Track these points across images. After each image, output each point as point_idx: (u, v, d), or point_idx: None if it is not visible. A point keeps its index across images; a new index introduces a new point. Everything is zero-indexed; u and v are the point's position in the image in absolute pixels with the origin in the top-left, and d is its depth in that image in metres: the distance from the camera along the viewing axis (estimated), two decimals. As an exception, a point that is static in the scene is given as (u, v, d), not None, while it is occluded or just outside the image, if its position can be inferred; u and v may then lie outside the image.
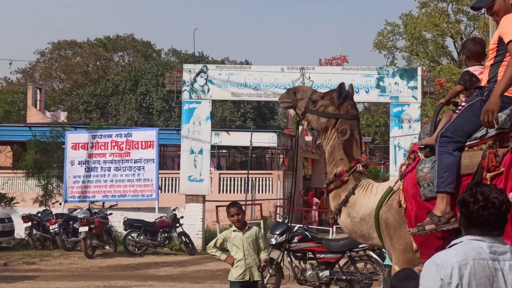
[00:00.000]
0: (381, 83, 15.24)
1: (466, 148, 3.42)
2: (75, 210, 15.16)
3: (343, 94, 4.46)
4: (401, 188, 3.74)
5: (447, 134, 3.43)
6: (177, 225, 14.52)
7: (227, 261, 6.08)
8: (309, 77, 15.40)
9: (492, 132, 3.28)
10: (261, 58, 75.24)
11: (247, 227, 6.28)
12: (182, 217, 14.85)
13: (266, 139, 22.66)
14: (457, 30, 27.36)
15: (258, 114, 29.79)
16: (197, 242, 14.56)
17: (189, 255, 14.12)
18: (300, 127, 5.89)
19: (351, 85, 4.76)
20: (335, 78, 15.16)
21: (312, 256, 8.78)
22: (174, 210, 15.16)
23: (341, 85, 4.53)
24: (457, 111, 3.68)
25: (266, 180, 21.09)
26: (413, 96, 15.27)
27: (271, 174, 21.46)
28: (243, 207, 13.97)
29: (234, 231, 6.15)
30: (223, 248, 6.21)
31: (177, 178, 18.29)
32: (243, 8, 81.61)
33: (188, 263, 13.00)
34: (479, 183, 2.84)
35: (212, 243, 6.23)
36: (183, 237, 14.36)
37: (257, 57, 76.70)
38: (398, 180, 3.90)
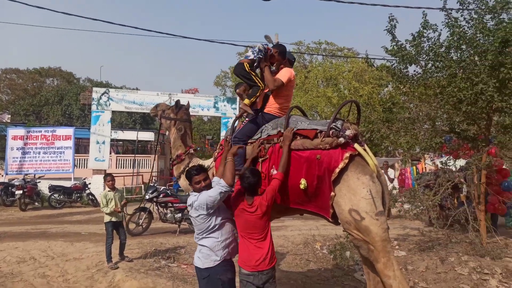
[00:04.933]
0: (216, 105, 19.67)
1: (249, 144, 3.95)
2: (13, 180, 15.95)
3: (178, 106, 5.16)
4: (214, 165, 4.24)
5: (237, 136, 3.98)
6: (86, 189, 16.03)
7: (115, 210, 6.57)
8: (174, 99, 19.05)
9: (263, 135, 3.89)
10: (148, 85, 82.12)
11: (116, 189, 6.85)
12: (90, 183, 16.53)
13: (148, 136, 26.41)
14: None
15: (144, 120, 34.57)
16: (99, 199, 15.80)
17: (93, 207, 15.32)
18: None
19: (188, 102, 5.38)
20: (190, 101, 20.03)
21: (171, 205, 9.49)
22: (84, 179, 17.04)
23: (177, 101, 5.22)
24: (243, 122, 4.22)
25: (147, 160, 23.91)
26: (234, 114, 18.57)
27: (150, 156, 24.24)
28: (131, 178, 17.41)
29: (109, 191, 6.70)
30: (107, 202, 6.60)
31: (87, 159, 20.11)
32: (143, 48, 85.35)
33: (93, 212, 13.87)
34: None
35: (103, 202, 6.63)
36: (90, 196, 15.87)
37: (147, 84, 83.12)
38: (212, 161, 4.39)
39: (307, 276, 6.10)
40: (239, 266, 3.27)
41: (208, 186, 3.39)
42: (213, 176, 4.07)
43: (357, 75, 26.10)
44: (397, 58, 7.54)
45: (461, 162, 9.02)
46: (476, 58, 6.81)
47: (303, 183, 3.56)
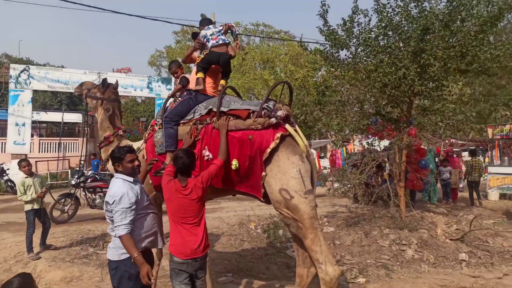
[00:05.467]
0: (150, 85, 18.92)
1: (181, 125, 3.87)
2: None
3: (106, 85, 4.91)
4: (144, 147, 4.14)
5: (169, 116, 3.88)
6: (4, 175, 15.06)
7: (38, 196, 6.22)
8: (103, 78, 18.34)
9: (196, 115, 3.82)
10: (76, 63, 76.52)
11: (34, 174, 6.56)
12: (8, 169, 15.39)
13: (76, 117, 24.53)
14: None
15: (71, 101, 32.11)
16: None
17: (13, 195, 13.99)
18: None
19: (116, 81, 5.11)
20: (121, 80, 18.95)
21: (100, 190, 9.26)
22: (1, 164, 15.76)
23: (104, 79, 4.95)
24: (176, 102, 4.13)
25: (74, 143, 22.08)
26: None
27: (78, 140, 22.36)
28: (56, 162, 16.12)
29: (26, 177, 6.31)
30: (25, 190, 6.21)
31: (5, 143, 18.53)
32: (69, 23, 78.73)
33: (12, 200, 13.04)
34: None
35: (21, 190, 6.22)
36: (8, 183, 14.91)
37: (74, 62, 77.33)
38: (143, 142, 4.25)
39: (241, 255, 6.20)
40: (170, 254, 3.14)
41: (139, 168, 3.26)
42: (144, 159, 3.97)
43: (293, 58, 26.58)
44: (330, 42, 7.76)
45: (385, 143, 9.63)
46: (401, 44, 7.21)
47: (234, 163, 3.54)
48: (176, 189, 3.12)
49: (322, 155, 22.04)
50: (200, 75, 3.97)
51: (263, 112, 3.54)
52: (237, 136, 3.57)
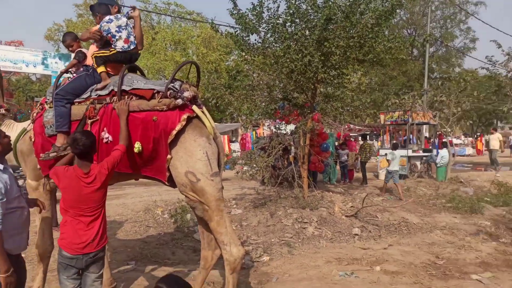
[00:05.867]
0: (45, 61, 17.22)
1: (76, 104, 3.59)
2: None
3: None
4: (32, 128, 3.78)
5: (60, 93, 3.57)
6: None
7: None
8: (-13, 51, 14.97)
9: (93, 94, 3.57)
10: None
11: None
12: None
13: None
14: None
15: None
16: None
17: None
18: None
19: None
20: (10, 54, 16.86)
21: None
22: None
23: None
24: (69, 78, 3.84)
25: None
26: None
27: None
28: None
29: None
30: None
31: None
32: None
33: None
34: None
35: None
36: None
37: None
38: (30, 123, 3.89)
39: (146, 242, 6.00)
40: (59, 247, 2.84)
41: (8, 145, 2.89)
42: (32, 141, 3.59)
43: (206, 41, 26.17)
44: (241, 26, 7.76)
45: (291, 127, 10.06)
46: (307, 32, 7.51)
47: (137, 146, 3.36)
48: (77, 176, 2.80)
49: (233, 139, 22.30)
50: (102, 69, 3.63)
51: (168, 93, 3.39)
52: (140, 117, 3.37)
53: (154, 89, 3.45)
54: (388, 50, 7.38)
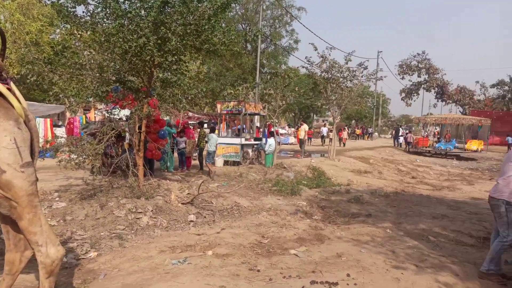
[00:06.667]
0: None
1: None
2: None
3: None
4: None
5: None
6: None
7: None
8: None
9: None
10: None
11: None
12: None
13: None
14: None
15: None
16: None
17: None
18: None
19: None
20: None
21: None
22: None
23: None
24: None
25: None
26: None
27: None
28: None
29: None
30: None
31: None
32: None
33: None
34: None
35: None
36: None
37: None
38: None
39: None
40: None
41: None
42: None
43: (23, 7, 22.33)
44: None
45: (126, 112, 9.48)
46: (143, 13, 7.12)
47: None
48: None
49: (60, 123, 19.74)
50: None
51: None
52: None
53: None
54: (223, 42, 7.62)
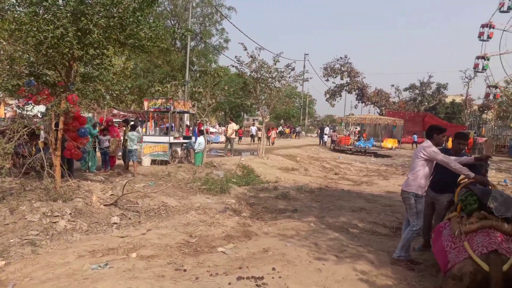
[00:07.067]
0: None
1: None
2: None
3: None
4: None
5: None
6: None
7: None
8: None
9: None
10: None
11: None
12: None
13: None
14: None
15: None
16: None
17: None
18: None
19: None
20: None
21: None
22: None
23: None
24: None
25: None
26: None
27: None
28: None
29: None
30: None
31: None
32: None
33: None
34: None
35: None
36: None
37: None
38: None
39: None
40: None
41: None
42: None
43: None
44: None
45: (42, 108, 8.76)
46: (60, 2, 6.63)
47: None
48: None
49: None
50: None
51: None
52: None
53: None
54: (150, 37, 7.37)
